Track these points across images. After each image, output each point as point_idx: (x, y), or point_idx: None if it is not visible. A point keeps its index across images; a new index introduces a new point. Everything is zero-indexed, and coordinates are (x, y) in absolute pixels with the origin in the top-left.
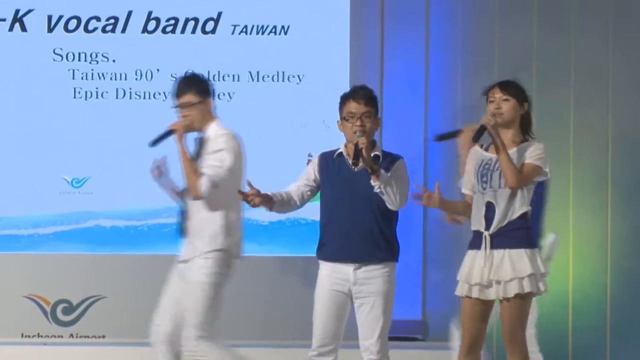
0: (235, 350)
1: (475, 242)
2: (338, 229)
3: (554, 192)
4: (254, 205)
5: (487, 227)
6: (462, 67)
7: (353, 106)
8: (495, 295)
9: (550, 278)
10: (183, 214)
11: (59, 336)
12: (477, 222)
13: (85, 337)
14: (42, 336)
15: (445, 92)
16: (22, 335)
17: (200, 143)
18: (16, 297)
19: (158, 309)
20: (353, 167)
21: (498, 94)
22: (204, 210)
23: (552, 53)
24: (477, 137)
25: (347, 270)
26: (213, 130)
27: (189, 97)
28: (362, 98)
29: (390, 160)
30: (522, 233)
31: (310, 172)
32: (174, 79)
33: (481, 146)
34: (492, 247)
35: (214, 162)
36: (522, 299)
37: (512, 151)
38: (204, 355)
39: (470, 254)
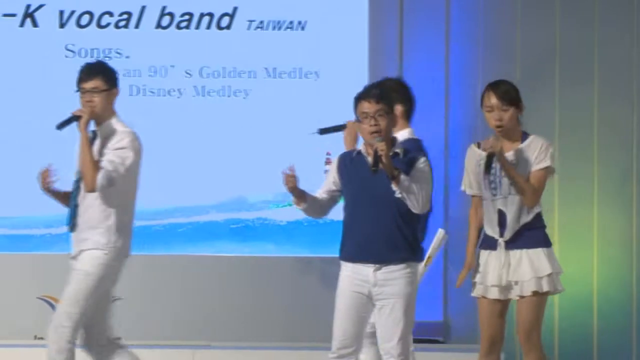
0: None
1: (489, 242)
2: (358, 229)
3: (577, 190)
4: (290, 187)
5: (502, 234)
6: (483, 61)
7: (365, 106)
8: (514, 295)
9: (574, 278)
10: (74, 209)
11: None
12: (491, 227)
13: None
14: None
15: (466, 86)
16: (35, 337)
17: (95, 136)
18: (29, 299)
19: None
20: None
21: (495, 101)
22: (97, 208)
23: (575, 48)
24: (488, 169)
25: (367, 271)
26: (116, 125)
27: (97, 83)
28: (373, 97)
29: (410, 159)
30: (538, 232)
31: (330, 179)
32: (188, 75)
33: (478, 145)
34: (508, 247)
35: (115, 159)
36: (539, 298)
37: (511, 153)
38: (54, 343)
39: (484, 254)
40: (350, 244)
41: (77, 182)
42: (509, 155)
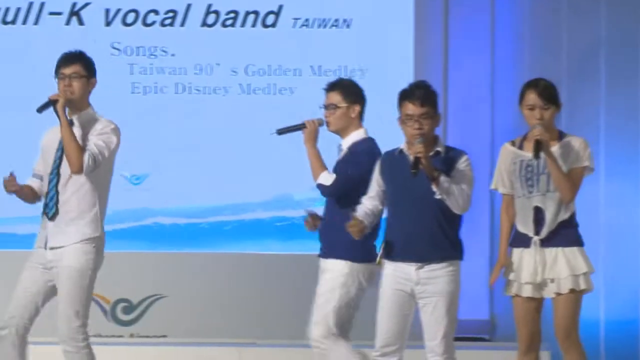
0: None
1: (522, 240)
2: (400, 227)
3: (623, 189)
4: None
5: (537, 232)
6: (529, 58)
7: (410, 108)
8: (550, 293)
9: (619, 277)
10: (55, 197)
11: (119, 336)
12: (525, 225)
13: (145, 336)
14: (101, 336)
15: (512, 83)
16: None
17: (72, 123)
18: None
19: (14, 302)
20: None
21: (538, 101)
22: (83, 196)
23: (621, 43)
24: (537, 155)
25: (409, 269)
26: (95, 115)
27: (77, 68)
28: (418, 99)
29: (452, 157)
30: (574, 231)
31: (374, 180)
32: (234, 73)
33: (513, 143)
34: (543, 245)
35: (100, 142)
36: (576, 296)
37: (555, 148)
38: (79, 351)
39: (517, 252)
40: (393, 243)
41: (57, 169)
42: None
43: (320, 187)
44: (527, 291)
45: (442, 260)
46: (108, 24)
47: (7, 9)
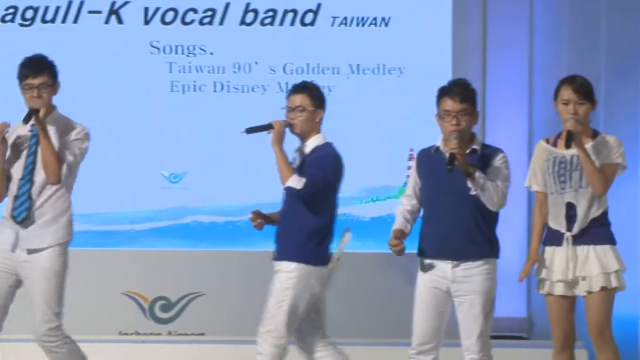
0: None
1: (554, 237)
2: (436, 225)
3: None
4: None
5: (569, 228)
6: (567, 57)
7: (449, 104)
8: (582, 291)
9: None
10: (29, 204)
11: (157, 334)
12: (557, 222)
13: (184, 334)
14: (140, 333)
15: (550, 82)
16: (120, 333)
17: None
18: (114, 294)
19: None
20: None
21: (573, 97)
22: (57, 201)
23: None
24: (568, 144)
25: (445, 267)
26: (64, 117)
27: (46, 79)
28: (457, 95)
29: (489, 154)
30: (605, 229)
31: (412, 177)
32: (272, 72)
33: (547, 141)
34: (575, 243)
35: (76, 150)
36: (608, 294)
37: (589, 145)
38: (64, 344)
39: (549, 250)
40: (429, 241)
41: (29, 175)
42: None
43: (289, 189)
44: (559, 289)
45: (479, 258)
46: (147, 22)
47: (47, 8)
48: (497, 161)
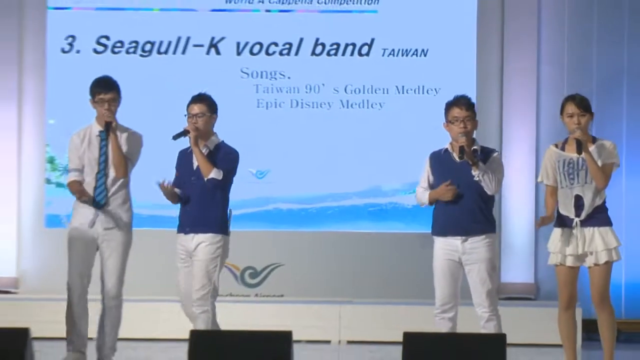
0: None
1: (564, 221)
2: (446, 209)
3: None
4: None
5: (578, 214)
6: (567, 78)
7: (457, 112)
8: (589, 263)
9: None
10: (105, 192)
11: (246, 295)
12: (567, 209)
13: (267, 296)
14: (233, 295)
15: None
16: (219, 294)
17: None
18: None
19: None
20: (457, 160)
21: (575, 110)
22: (123, 191)
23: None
24: (579, 151)
25: (456, 242)
26: (123, 127)
27: (115, 95)
28: (463, 105)
29: (487, 152)
30: (605, 215)
31: (426, 174)
32: (336, 92)
33: (556, 146)
34: (582, 225)
35: (135, 151)
36: (610, 266)
37: (591, 149)
38: (121, 303)
39: (558, 231)
40: (441, 222)
41: (104, 171)
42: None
43: (212, 180)
44: (570, 261)
45: (482, 234)
46: (239, 53)
47: (161, 42)
48: (494, 157)
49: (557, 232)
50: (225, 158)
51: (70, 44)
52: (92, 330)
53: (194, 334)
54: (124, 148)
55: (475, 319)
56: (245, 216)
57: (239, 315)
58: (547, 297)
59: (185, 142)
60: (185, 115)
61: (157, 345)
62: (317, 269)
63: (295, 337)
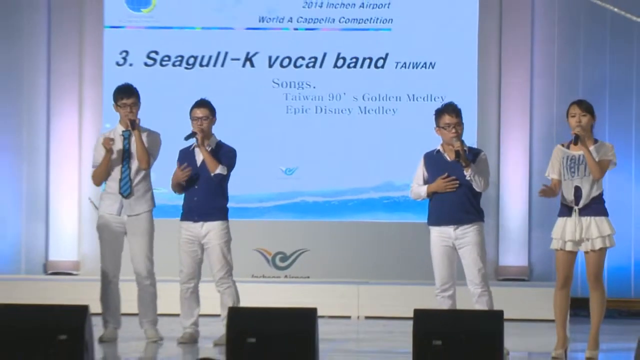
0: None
1: (565, 212)
2: (440, 202)
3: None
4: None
5: (577, 203)
6: (557, 91)
7: (447, 118)
8: (585, 249)
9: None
10: (129, 182)
11: (277, 277)
12: (567, 199)
13: (295, 277)
14: (265, 276)
15: (545, 107)
16: (252, 276)
17: (130, 134)
18: (248, 250)
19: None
20: (449, 160)
21: (578, 111)
22: (145, 180)
23: (619, 82)
24: (576, 142)
25: (449, 230)
26: (146, 128)
27: (135, 100)
28: (453, 112)
29: (474, 153)
30: (601, 206)
31: (421, 172)
32: (355, 99)
33: (562, 145)
34: (581, 214)
35: (154, 147)
36: (604, 251)
37: (592, 148)
38: (154, 283)
39: (561, 220)
40: (436, 213)
41: (127, 164)
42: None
43: (218, 175)
44: (569, 246)
45: (471, 222)
46: (270, 66)
47: (203, 56)
48: (481, 157)
49: (560, 221)
50: (227, 155)
51: (124, 58)
52: (134, 307)
53: (232, 310)
54: (146, 143)
55: (470, 296)
56: (275, 208)
57: (270, 294)
58: (539, 278)
59: (185, 142)
60: (193, 119)
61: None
62: (338, 253)
63: (319, 313)
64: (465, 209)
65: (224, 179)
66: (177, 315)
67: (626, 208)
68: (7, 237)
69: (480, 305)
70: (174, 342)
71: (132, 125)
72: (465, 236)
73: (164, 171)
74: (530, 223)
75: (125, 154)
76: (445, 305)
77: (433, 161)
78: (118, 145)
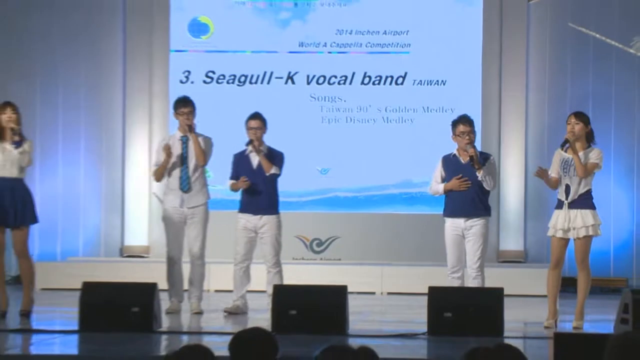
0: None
1: (558, 205)
2: (454, 198)
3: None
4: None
5: (567, 198)
6: (548, 102)
7: (462, 127)
8: (573, 236)
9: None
10: (188, 179)
11: (314, 259)
12: (560, 195)
13: (329, 259)
14: (304, 259)
15: (538, 117)
16: (293, 259)
17: (187, 139)
18: (290, 237)
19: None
20: (463, 162)
21: (572, 120)
22: (201, 176)
23: (602, 94)
24: (563, 145)
25: (460, 222)
26: (200, 133)
27: (191, 109)
28: (466, 122)
29: (485, 157)
30: (588, 201)
31: (439, 173)
32: (379, 111)
33: (561, 148)
34: (570, 207)
35: (209, 149)
36: (589, 239)
37: (581, 153)
38: (204, 263)
39: (556, 211)
40: (450, 207)
41: (185, 162)
42: (580, 154)
43: (273, 175)
44: (560, 233)
45: (479, 217)
46: (308, 83)
47: (252, 75)
48: (491, 161)
49: (555, 212)
50: (279, 158)
51: (186, 77)
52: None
53: (277, 287)
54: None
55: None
56: (312, 202)
57: (308, 274)
58: (533, 260)
59: (238, 147)
60: (248, 129)
61: (247, 295)
62: (365, 240)
63: (349, 289)
64: (475, 205)
65: (277, 178)
66: (226, 291)
67: (606, 203)
68: (89, 226)
69: (473, 285)
70: (222, 314)
71: (190, 129)
72: (473, 228)
73: (221, 170)
74: (526, 215)
75: (184, 156)
76: (455, 283)
77: (450, 163)
78: (177, 149)
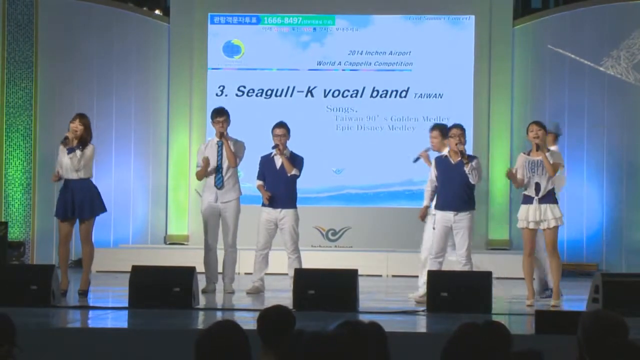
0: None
1: (527, 199)
2: (445, 193)
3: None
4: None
5: (537, 194)
6: (530, 112)
7: (454, 131)
8: (543, 227)
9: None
10: (221, 178)
11: (329, 246)
12: (530, 192)
13: (342, 247)
14: (321, 246)
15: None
16: (311, 246)
17: (222, 143)
18: (309, 227)
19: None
20: (453, 162)
21: (536, 127)
22: (233, 174)
23: (575, 108)
24: (537, 148)
25: (449, 215)
26: (233, 137)
27: (226, 117)
28: (459, 127)
29: (472, 158)
30: (553, 197)
31: (433, 171)
32: (386, 120)
33: (524, 153)
34: (540, 202)
35: (241, 152)
36: (556, 229)
37: (548, 154)
38: (236, 251)
39: (524, 206)
40: (441, 201)
41: (219, 163)
42: (547, 155)
43: (294, 176)
44: (531, 225)
45: (466, 210)
46: (325, 96)
47: (277, 89)
48: (476, 160)
49: (523, 207)
50: (299, 161)
51: (221, 91)
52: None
53: (297, 271)
54: (233, 149)
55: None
56: (328, 197)
57: (324, 260)
58: (517, 248)
59: (265, 151)
60: (274, 136)
61: (270, 277)
62: (373, 230)
63: (359, 273)
64: (462, 199)
65: (297, 178)
66: (250, 274)
67: (580, 198)
68: (137, 218)
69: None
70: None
71: (221, 135)
72: (460, 220)
73: (251, 170)
74: (511, 209)
75: (219, 158)
76: (434, 267)
77: (441, 162)
78: (214, 152)
